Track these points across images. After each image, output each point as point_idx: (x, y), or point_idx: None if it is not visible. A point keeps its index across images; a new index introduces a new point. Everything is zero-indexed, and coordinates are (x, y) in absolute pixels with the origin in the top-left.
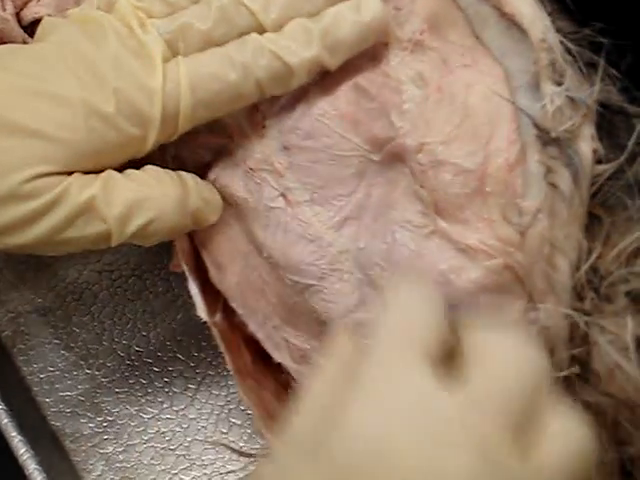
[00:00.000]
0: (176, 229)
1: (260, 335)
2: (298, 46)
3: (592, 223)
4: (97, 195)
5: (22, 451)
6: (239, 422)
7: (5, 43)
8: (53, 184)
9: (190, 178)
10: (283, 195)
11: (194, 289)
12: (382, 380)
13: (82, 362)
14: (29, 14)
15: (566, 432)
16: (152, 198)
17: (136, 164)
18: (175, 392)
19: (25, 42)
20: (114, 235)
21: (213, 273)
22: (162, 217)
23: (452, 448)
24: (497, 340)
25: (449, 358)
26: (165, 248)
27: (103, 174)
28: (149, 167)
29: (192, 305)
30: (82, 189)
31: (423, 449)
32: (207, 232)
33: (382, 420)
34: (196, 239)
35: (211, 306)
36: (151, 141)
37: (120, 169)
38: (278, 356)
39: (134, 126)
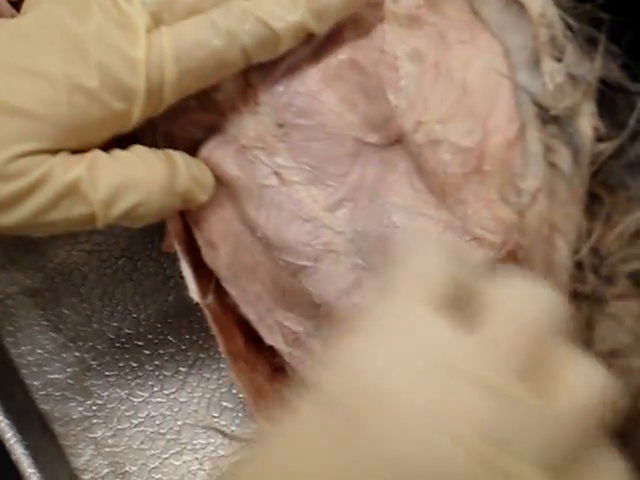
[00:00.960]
0: (164, 210)
1: (252, 317)
2: (283, 10)
3: (592, 203)
4: (82, 176)
5: (9, 435)
6: (231, 406)
7: None
8: (37, 164)
9: (179, 157)
10: (277, 174)
11: (186, 270)
12: (391, 326)
13: (71, 344)
14: None
15: (586, 381)
16: (138, 181)
17: (125, 143)
18: (166, 375)
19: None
20: (99, 218)
21: (206, 252)
22: (149, 200)
23: (463, 390)
24: (516, 287)
25: (464, 309)
26: (156, 228)
27: (89, 154)
28: (136, 147)
29: (184, 286)
30: (67, 170)
31: (431, 392)
32: (200, 211)
33: (388, 365)
34: (188, 219)
35: (203, 287)
36: (136, 114)
37: (107, 148)
38: (270, 338)
39: (118, 99)
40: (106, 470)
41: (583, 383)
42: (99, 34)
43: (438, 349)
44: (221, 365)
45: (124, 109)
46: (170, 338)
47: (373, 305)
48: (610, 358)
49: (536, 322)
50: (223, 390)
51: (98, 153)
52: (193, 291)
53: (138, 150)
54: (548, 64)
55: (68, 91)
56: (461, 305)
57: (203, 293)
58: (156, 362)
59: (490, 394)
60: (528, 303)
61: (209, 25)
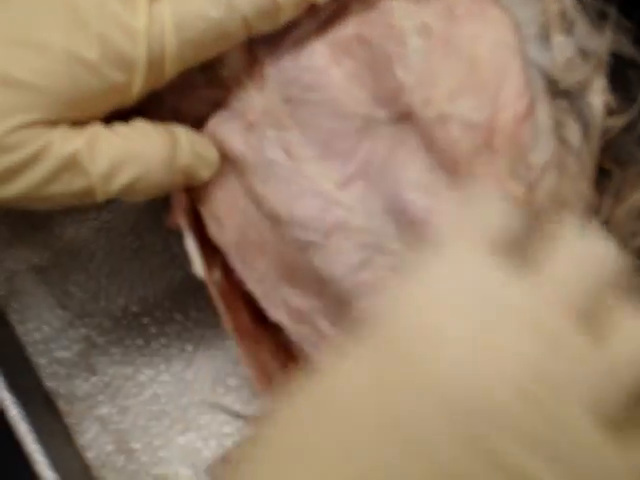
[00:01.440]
0: (165, 186)
1: (258, 293)
2: None
3: (602, 178)
4: (81, 150)
5: (14, 412)
6: (236, 384)
7: None
8: (37, 136)
9: (182, 132)
10: (285, 149)
11: (191, 245)
12: (444, 267)
13: (77, 321)
14: None
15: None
16: (138, 154)
17: (130, 117)
18: (172, 353)
19: None
20: (98, 192)
21: (212, 228)
22: (148, 174)
23: (514, 327)
24: (576, 236)
25: (523, 256)
26: (164, 207)
27: (89, 128)
28: (137, 121)
29: (191, 264)
30: (66, 142)
31: (479, 336)
32: (206, 187)
33: (436, 302)
34: (194, 194)
35: (209, 264)
36: (137, 86)
37: (108, 121)
38: (276, 314)
39: (119, 71)
40: (111, 447)
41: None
42: (99, 5)
43: (490, 287)
44: (227, 343)
45: (125, 80)
46: (176, 316)
47: (428, 249)
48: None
49: (597, 270)
50: (229, 368)
51: (98, 127)
52: (198, 266)
53: (139, 124)
54: (558, 38)
55: (68, 63)
56: (520, 253)
57: (209, 269)
58: (162, 340)
59: (542, 334)
60: (590, 251)
61: None
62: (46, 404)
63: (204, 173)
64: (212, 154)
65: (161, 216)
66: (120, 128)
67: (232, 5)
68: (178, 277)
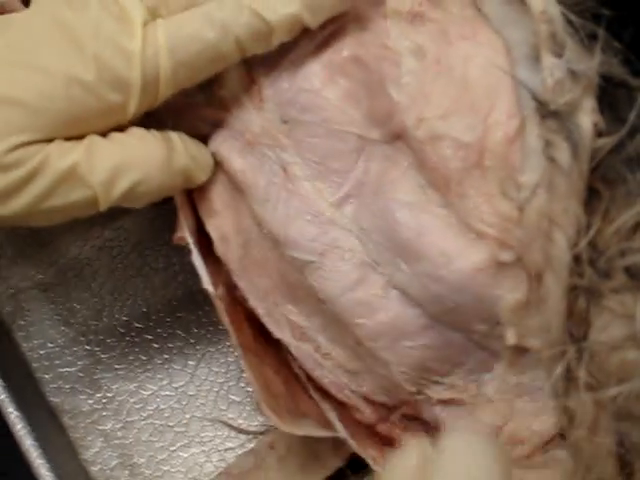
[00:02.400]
0: (165, 189)
1: (260, 310)
2: (277, 3)
3: (591, 197)
4: (79, 161)
5: (19, 427)
6: (238, 399)
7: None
8: (35, 152)
9: (176, 136)
10: (283, 169)
11: (198, 261)
12: None
13: (82, 338)
14: None
15: None
16: (136, 160)
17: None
18: (174, 369)
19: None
20: (101, 200)
21: (218, 244)
22: (148, 178)
23: None
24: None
25: None
26: (166, 224)
27: (85, 140)
28: (132, 128)
29: (193, 282)
30: (63, 156)
31: None
32: (213, 204)
33: None
34: (201, 210)
35: (213, 280)
36: (132, 107)
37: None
38: (278, 332)
39: (114, 92)
40: (115, 462)
41: None
42: (96, 26)
43: None
44: (229, 359)
45: (120, 101)
46: (179, 332)
47: None
48: (606, 351)
49: None
50: (231, 384)
51: (94, 137)
52: (206, 282)
53: (134, 131)
54: (548, 59)
55: (65, 84)
56: None
57: (214, 285)
58: (165, 356)
59: None
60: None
61: (204, 18)
62: (51, 419)
63: (201, 175)
64: (207, 157)
65: (164, 234)
66: (116, 135)
67: (225, 28)
68: (180, 294)
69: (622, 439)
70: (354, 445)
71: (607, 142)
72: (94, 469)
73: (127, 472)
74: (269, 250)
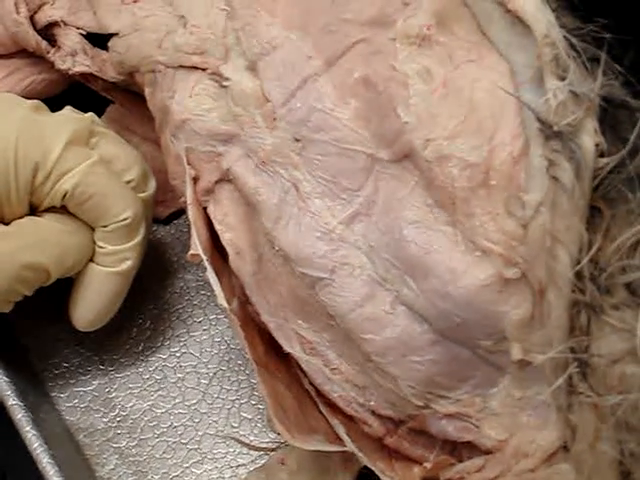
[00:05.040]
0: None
1: (271, 325)
2: None
3: (593, 216)
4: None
5: (35, 445)
6: (250, 416)
7: (20, 47)
8: None
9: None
10: (295, 187)
11: (213, 278)
12: None
13: (96, 358)
14: (43, 17)
15: None
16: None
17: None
18: (187, 387)
19: (39, 45)
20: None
21: (232, 259)
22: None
23: None
24: None
25: None
26: (179, 243)
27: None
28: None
29: (204, 302)
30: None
31: None
32: (228, 219)
33: None
34: (216, 225)
35: (227, 296)
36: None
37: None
38: (288, 346)
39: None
40: (130, 478)
41: None
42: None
43: None
44: (240, 377)
45: None
46: (192, 351)
47: None
48: (606, 365)
49: None
50: (242, 401)
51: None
52: (221, 298)
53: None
54: (551, 82)
55: None
56: None
57: (227, 301)
58: (178, 374)
59: None
60: None
61: None
62: (67, 437)
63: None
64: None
65: (176, 253)
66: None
67: None
68: (193, 313)
69: (622, 449)
70: (363, 458)
71: (609, 162)
72: None
73: None
74: (280, 266)
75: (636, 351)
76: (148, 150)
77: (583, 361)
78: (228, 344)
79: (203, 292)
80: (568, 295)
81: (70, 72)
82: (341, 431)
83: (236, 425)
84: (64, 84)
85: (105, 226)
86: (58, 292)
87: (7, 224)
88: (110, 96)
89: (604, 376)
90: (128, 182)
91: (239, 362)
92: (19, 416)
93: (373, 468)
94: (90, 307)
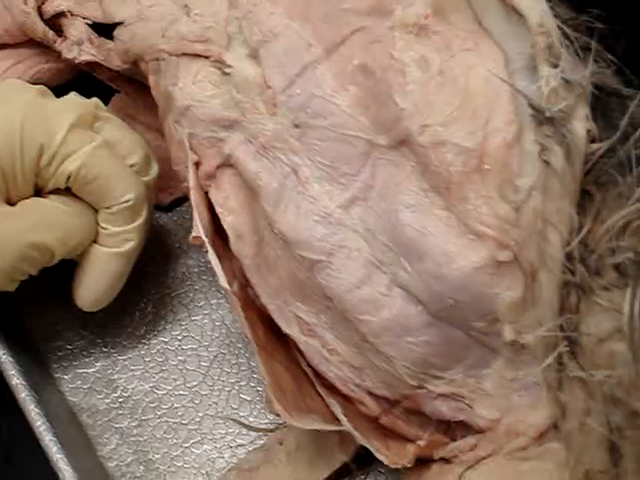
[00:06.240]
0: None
1: (271, 307)
2: None
3: (584, 199)
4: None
5: (39, 423)
6: (249, 398)
7: (27, 36)
8: None
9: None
10: (294, 172)
11: (214, 260)
12: None
13: (99, 340)
14: (50, 8)
15: None
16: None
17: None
18: (188, 369)
19: (46, 35)
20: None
21: (233, 242)
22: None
23: None
24: None
25: None
26: (181, 228)
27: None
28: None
29: (208, 287)
30: None
31: None
32: (229, 202)
33: None
34: (218, 209)
35: (228, 278)
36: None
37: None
38: (287, 328)
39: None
40: (131, 458)
41: None
42: None
43: None
44: (240, 360)
45: None
46: (193, 335)
47: None
48: (595, 344)
49: None
50: (242, 383)
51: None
52: (223, 279)
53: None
54: (544, 70)
55: None
56: None
57: (229, 283)
58: (180, 357)
59: None
60: None
61: None
62: (70, 417)
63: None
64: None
65: (178, 237)
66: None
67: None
68: (195, 298)
69: (610, 425)
70: (358, 437)
71: (600, 147)
72: (111, 465)
73: (142, 468)
74: (280, 249)
75: (623, 329)
76: (152, 139)
77: (572, 340)
78: (229, 328)
79: (205, 277)
80: (559, 276)
81: (76, 61)
82: (337, 411)
83: (236, 407)
84: (70, 73)
85: (108, 208)
86: (63, 275)
87: (13, 205)
88: (115, 85)
89: (592, 354)
90: (131, 166)
91: (239, 345)
92: (23, 395)
93: (368, 446)
94: (93, 287)
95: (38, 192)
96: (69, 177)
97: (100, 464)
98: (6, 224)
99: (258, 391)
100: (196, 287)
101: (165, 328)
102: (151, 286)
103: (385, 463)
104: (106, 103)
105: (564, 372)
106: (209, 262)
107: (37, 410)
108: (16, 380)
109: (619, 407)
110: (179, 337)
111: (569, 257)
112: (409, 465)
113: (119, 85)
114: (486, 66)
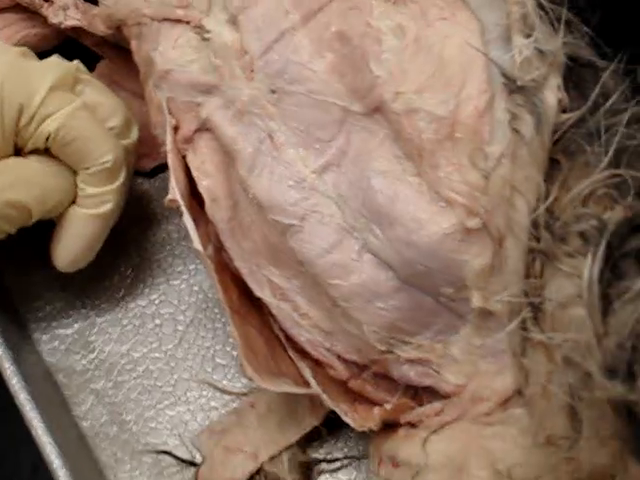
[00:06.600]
0: None
1: (244, 270)
2: None
3: (552, 168)
4: None
5: (14, 381)
6: (224, 362)
7: (13, 1)
8: None
9: None
10: (270, 137)
11: (189, 222)
12: None
13: (78, 302)
14: None
15: None
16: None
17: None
18: (164, 333)
19: (32, 0)
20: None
21: (208, 205)
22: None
23: None
24: None
25: None
26: (159, 192)
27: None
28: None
29: (184, 251)
30: None
31: None
32: (205, 166)
33: None
34: (194, 172)
35: (203, 241)
36: None
37: None
38: (259, 291)
39: None
40: (105, 418)
41: None
42: None
43: None
44: (216, 325)
45: None
46: (170, 299)
47: None
48: (558, 308)
49: None
50: (217, 347)
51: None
52: (197, 242)
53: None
54: (518, 39)
55: None
56: None
57: (203, 246)
58: (156, 321)
59: None
60: None
61: None
62: (46, 377)
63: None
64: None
65: (155, 205)
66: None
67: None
68: (173, 263)
69: (571, 390)
70: (327, 400)
71: (570, 117)
72: (85, 424)
73: (116, 428)
74: (254, 214)
75: (583, 294)
76: (137, 105)
77: (536, 306)
78: (206, 293)
79: (184, 243)
80: (525, 243)
81: (62, 26)
82: (307, 374)
83: (210, 370)
84: (56, 39)
85: (87, 169)
86: (44, 237)
87: None
88: (101, 52)
89: (554, 320)
90: (111, 129)
91: (216, 311)
92: (0, 353)
93: (336, 409)
94: (71, 248)
95: (18, 152)
96: (48, 137)
97: (75, 423)
98: None
99: (233, 356)
100: (175, 252)
101: (143, 292)
102: (131, 250)
103: (352, 426)
104: (91, 70)
105: (528, 339)
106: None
107: (13, 368)
108: None
109: (575, 370)
110: (156, 301)
111: (535, 224)
112: (375, 428)
113: (104, 51)
114: (462, 35)
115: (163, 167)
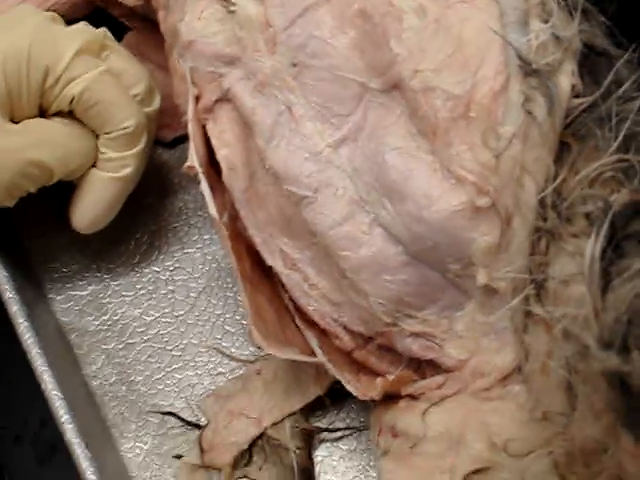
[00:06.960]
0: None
1: (257, 239)
2: None
3: (562, 151)
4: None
5: (27, 336)
6: (233, 330)
7: None
8: None
9: None
10: (289, 109)
11: (206, 189)
12: None
13: (94, 265)
14: None
15: None
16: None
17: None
18: (177, 299)
19: None
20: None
21: (226, 174)
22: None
23: None
24: None
25: None
26: (176, 163)
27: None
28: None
29: (202, 222)
30: None
31: None
32: (225, 135)
33: None
34: (213, 141)
35: (219, 209)
36: None
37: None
38: (271, 260)
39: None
40: (114, 378)
41: None
42: None
43: None
44: (228, 294)
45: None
46: (184, 266)
47: None
48: (560, 286)
49: None
50: (227, 316)
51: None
52: (213, 209)
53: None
54: (536, 24)
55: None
56: None
57: (219, 214)
58: (170, 287)
59: None
60: None
61: None
62: (58, 335)
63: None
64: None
65: (173, 174)
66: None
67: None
68: (189, 232)
69: (568, 366)
70: (331, 369)
71: (582, 102)
72: (94, 383)
73: (124, 388)
74: (270, 185)
75: (584, 272)
76: (160, 77)
77: (539, 283)
78: (219, 263)
79: (200, 213)
80: (531, 222)
81: None
82: (314, 343)
83: (219, 337)
84: (86, 9)
85: (108, 133)
86: (63, 201)
87: (17, 124)
88: (129, 23)
89: (555, 297)
90: (134, 96)
91: (228, 280)
92: (14, 309)
93: (340, 378)
94: (90, 210)
95: (42, 114)
96: (72, 100)
97: (84, 382)
98: (8, 139)
99: (242, 324)
100: (191, 222)
101: (158, 258)
102: (148, 218)
103: (354, 394)
104: (119, 41)
105: (530, 315)
106: (205, 198)
107: (27, 324)
108: (9, 294)
109: (573, 343)
110: (170, 268)
111: (542, 204)
112: (377, 398)
113: (132, 23)
114: (480, 18)
115: (183, 138)
